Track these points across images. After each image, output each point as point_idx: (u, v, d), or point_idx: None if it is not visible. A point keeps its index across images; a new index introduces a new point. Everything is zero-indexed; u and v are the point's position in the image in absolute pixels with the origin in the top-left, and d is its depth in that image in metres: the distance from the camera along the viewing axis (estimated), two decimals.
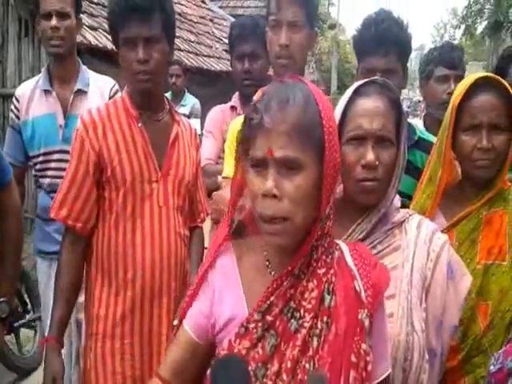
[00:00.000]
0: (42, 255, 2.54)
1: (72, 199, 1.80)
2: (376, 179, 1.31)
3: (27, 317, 3.64)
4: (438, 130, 2.15)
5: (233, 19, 12.02)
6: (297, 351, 1.02)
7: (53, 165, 2.45)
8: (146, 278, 1.82)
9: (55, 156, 2.44)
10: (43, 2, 2.39)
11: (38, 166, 2.51)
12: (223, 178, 1.90)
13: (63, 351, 2.41)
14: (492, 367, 1.35)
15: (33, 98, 2.51)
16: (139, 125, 1.85)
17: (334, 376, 1.00)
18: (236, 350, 1.04)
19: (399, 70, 1.95)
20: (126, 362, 1.81)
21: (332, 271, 1.07)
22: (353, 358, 1.02)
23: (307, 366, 1.01)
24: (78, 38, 5.41)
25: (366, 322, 1.04)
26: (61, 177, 1.94)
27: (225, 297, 1.12)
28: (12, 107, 2.55)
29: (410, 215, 1.42)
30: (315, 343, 1.02)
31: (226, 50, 9.46)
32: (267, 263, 1.12)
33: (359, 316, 1.04)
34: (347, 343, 1.02)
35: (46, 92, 2.49)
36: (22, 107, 2.50)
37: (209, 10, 11.63)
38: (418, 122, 2.59)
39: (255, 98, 1.09)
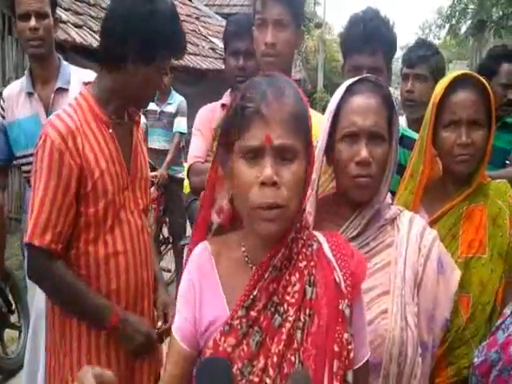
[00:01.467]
0: None
1: (54, 221, 1.63)
2: (370, 175, 1.33)
3: (12, 317, 3.60)
4: (416, 128, 2.17)
5: (219, 17, 12.01)
6: (282, 346, 1.02)
7: None
8: (130, 287, 1.77)
9: None
10: (20, 2, 2.36)
11: (27, 167, 2.47)
12: None
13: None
14: (476, 359, 1.37)
15: (18, 100, 2.51)
16: (110, 131, 1.73)
17: (319, 367, 1.02)
18: (221, 349, 1.04)
19: (384, 68, 1.99)
20: (112, 366, 1.75)
21: (312, 263, 1.09)
22: (336, 348, 1.04)
23: (292, 359, 1.02)
24: (63, 36, 5.44)
25: (347, 312, 1.06)
26: None
27: (205, 299, 1.11)
28: None
29: (401, 211, 1.43)
30: (299, 336, 1.03)
31: (212, 49, 9.44)
32: (246, 259, 1.12)
33: (340, 306, 1.06)
34: (330, 334, 1.04)
35: (29, 94, 2.48)
36: (8, 109, 2.50)
37: (195, 8, 11.60)
38: (402, 120, 2.65)
39: (242, 88, 1.08)
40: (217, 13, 12.30)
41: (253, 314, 1.05)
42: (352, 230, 1.37)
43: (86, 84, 1.81)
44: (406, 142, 1.99)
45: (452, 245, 1.62)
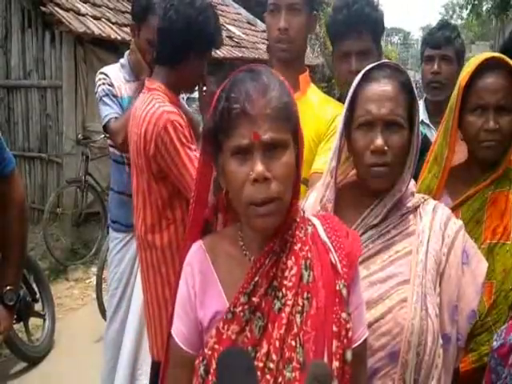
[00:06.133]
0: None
1: None
2: (386, 164, 1.30)
3: (36, 306, 3.67)
4: (436, 112, 2.11)
5: (236, 5, 11.93)
6: (283, 330, 1.03)
7: None
8: None
9: None
10: None
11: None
12: None
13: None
14: (495, 343, 1.35)
15: (122, 81, 2.75)
16: (181, 113, 2.04)
17: (318, 348, 1.03)
18: (225, 336, 1.05)
19: (374, 49, 1.95)
20: None
21: (307, 248, 1.10)
22: (334, 328, 1.05)
23: (293, 343, 1.03)
24: (82, 28, 5.45)
25: (344, 292, 1.08)
26: None
27: (205, 297, 1.11)
28: (104, 82, 2.69)
29: (424, 200, 1.40)
30: (298, 320, 1.05)
31: (229, 37, 9.40)
32: (244, 252, 1.12)
33: (337, 287, 1.08)
34: (328, 315, 1.05)
35: (130, 81, 2.71)
36: (116, 86, 2.71)
37: None
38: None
39: (226, 88, 1.07)
40: (234, 0, 12.22)
41: (254, 299, 1.06)
42: (373, 218, 1.35)
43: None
44: None
45: (476, 230, 1.59)
